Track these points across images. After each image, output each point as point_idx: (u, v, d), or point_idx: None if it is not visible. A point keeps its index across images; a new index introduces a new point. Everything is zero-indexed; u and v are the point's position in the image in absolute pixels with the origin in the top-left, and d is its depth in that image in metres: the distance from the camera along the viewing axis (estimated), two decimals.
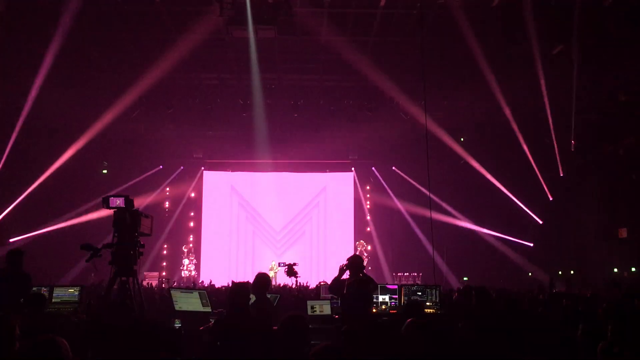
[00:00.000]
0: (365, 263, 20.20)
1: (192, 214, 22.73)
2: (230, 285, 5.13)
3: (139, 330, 3.50)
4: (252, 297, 5.63)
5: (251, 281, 6.01)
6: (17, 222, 17.05)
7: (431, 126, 15.84)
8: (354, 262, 6.61)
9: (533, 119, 17.10)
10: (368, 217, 22.65)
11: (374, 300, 7.79)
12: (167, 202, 22.37)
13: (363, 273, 6.59)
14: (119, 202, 6.42)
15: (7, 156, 16.02)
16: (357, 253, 20.60)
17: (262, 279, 5.89)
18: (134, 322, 4.38)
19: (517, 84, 15.89)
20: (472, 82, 16.20)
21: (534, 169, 18.05)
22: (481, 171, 18.74)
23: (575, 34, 13.50)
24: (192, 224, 22.59)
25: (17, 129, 15.64)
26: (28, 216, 17.19)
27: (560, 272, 17.99)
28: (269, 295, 7.12)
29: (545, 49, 14.53)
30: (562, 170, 17.65)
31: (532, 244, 19.10)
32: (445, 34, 14.32)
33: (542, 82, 15.15)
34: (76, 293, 7.96)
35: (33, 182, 17.16)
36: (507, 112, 16.74)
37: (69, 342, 3.08)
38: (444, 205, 19.35)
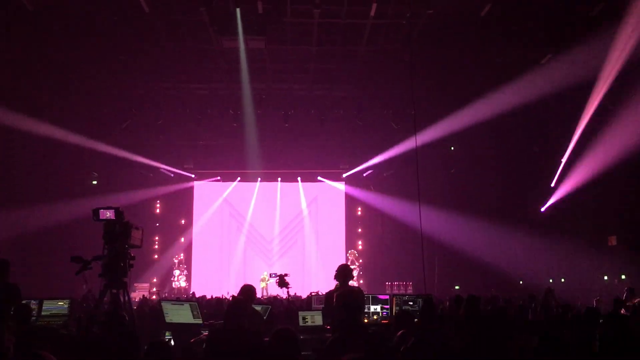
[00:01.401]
0: (356, 273, 20.29)
1: (182, 223, 22.63)
2: (221, 296, 5.11)
3: (131, 343, 3.47)
4: None
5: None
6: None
7: (421, 135, 15.90)
8: (342, 272, 6.57)
9: (523, 127, 17.22)
10: (360, 230, 22.66)
11: (365, 310, 7.77)
12: (157, 212, 22.25)
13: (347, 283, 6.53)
14: (109, 214, 6.40)
15: None
16: (349, 262, 20.63)
17: (248, 291, 5.86)
18: (126, 334, 4.34)
19: (507, 91, 15.98)
20: (463, 90, 16.29)
21: (524, 177, 18.13)
22: (471, 179, 18.78)
23: (563, 42, 13.67)
24: (182, 235, 22.47)
25: None
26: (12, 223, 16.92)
27: (551, 280, 18.04)
28: (259, 307, 7.10)
29: (534, 57, 14.68)
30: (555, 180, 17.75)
31: (522, 252, 19.13)
32: (435, 43, 14.43)
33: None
34: (66, 306, 7.84)
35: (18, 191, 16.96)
36: (498, 119, 16.76)
37: (59, 356, 3.05)
38: (435, 213, 19.30)
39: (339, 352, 5.88)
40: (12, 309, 6.32)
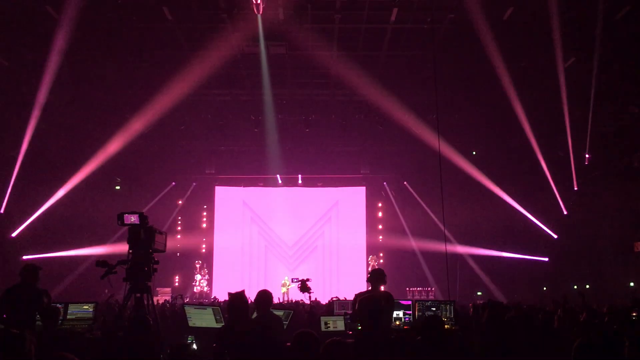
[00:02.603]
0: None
1: (204, 229, 22.81)
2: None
3: (155, 346, 3.50)
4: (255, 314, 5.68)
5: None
6: (31, 240, 17.06)
7: (443, 140, 15.77)
8: (373, 275, 6.54)
9: (547, 132, 16.99)
10: (380, 238, 22.56)
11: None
12: (179, 218, 22.47)
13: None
14: (133, 219, 6.45)
15: (20, 173, 16.09)
16: (370, 268, 20.56)
17: (264, 295, 5.80)
18: (151, 338, 4.38)
19: (532, 96, 15.82)
20: (486, 96, 16.15)
21: (547, 182, 17.88)
22: (493, 186, 18.55)
23: (588, 45, 13.48)
24: (204, 240, 22.64)
25: (24, 147, 15.68)
26: (42, 235, 17.18)
27: (575, 287, 17.77)
28: (281, 312, 7.09)
29: (558, 61, 14.49)
30: (577, 183, 17.48)
31: (547, 259, 18.87)
32: (457, 47, 14.34)
33: (564, 94, 14.98)
34: (91, 310, 7.96)
35: (48, 199, 17.25)
36: (524, 125, 16.54)
37: (84, 359, 3.08)
38: (457, 219, 19.10)
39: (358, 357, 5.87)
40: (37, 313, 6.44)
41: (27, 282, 6.66)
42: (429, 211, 19.87)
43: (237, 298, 4.92)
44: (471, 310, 8.49)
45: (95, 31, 14.01)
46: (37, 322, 6.43)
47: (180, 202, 22.30)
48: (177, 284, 21.60)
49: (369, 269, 20.93)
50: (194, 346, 6.25)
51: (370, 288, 6.44)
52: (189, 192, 22.39)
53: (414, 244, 21.05)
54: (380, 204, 22.78)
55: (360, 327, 6.40)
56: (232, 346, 4.62)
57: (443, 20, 13.51)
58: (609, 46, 13.49)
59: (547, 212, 18.68)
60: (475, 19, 13.09)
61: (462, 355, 4.96)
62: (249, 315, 4.94)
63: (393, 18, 13.48)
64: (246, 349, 4.52)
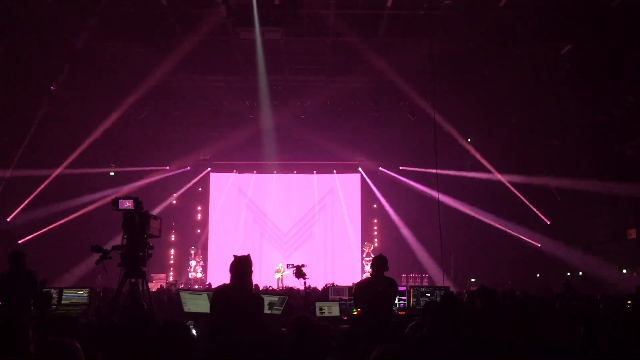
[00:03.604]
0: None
1: (198, 215, 22.80)
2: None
3: (151, 331, 3.49)
4: None
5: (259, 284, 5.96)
6: (26, 224, 17.07)
7: (439, 126, 15.77)
8: (374, 261, 6.50)
9: (540, 119, 17.03)
10: (375, 222, 22.63)
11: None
12: (173, 204, 22.43)
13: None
14: (128, 204, 6.44)
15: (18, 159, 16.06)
16: (364, 255, 20.64)
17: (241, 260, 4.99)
18: (146, 323, 4.37)
19: (524, 84, 15.82)
20: (480, 82, 16.12)
21: (541, 169, 17.94)
22: (490, 170, 18.61)
23: (583, 33, 13.45)
24: (198, 226, 22.64)
25: None
26: (37, 218, 17.18)
27: (568, 274, 17.89)
28: (275, 298, 7.10)
29: (554, 48, 14.48)
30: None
31: (539, 245, 19.00)
32: (453, 34, 14.28)
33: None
34: (85, 295, 7.97)
35: (41, 184, 17.20)
36: (515, 112, 16.60)
37: (79, 344, 3.07)
38: (453, 203, 19.13)
39: (350, 341, 5.88)
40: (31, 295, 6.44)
41: (16, 268, 6.67)
42: (424, 194, 19.86)
43: (243, 261, 4.80)
44: (465, 297, 8.52)
45: (88, 17, 13.85)
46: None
47: (174, 188, 22.22)
48: (171, 270, 21.61)
49: (364, 255, 21.03)
50: (194, 331, 6.21)
51: (372, 274, 6.42)
52: (182, 177, 22.33)
53: (407, 231, 21.14)
54: (375, 191, 22.79)
55: (358, 312, 6.41)
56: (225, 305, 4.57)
57: (439, 6, 13.43)
58: (605, 33, 13.45)
59: (540, 197, 18.78)
60: (472, 5, 13.05)
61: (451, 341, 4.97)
62: (251, 281, 4.84)
63: (389, 4, 13.39)
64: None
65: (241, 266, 4.72)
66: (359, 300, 6.40)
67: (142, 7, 13.70)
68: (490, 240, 19.44)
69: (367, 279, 6.49)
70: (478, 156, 18.57)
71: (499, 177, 18.61)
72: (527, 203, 18.91)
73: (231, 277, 4.73)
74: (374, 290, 5.88)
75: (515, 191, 18.79)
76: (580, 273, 17.94)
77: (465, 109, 17.88)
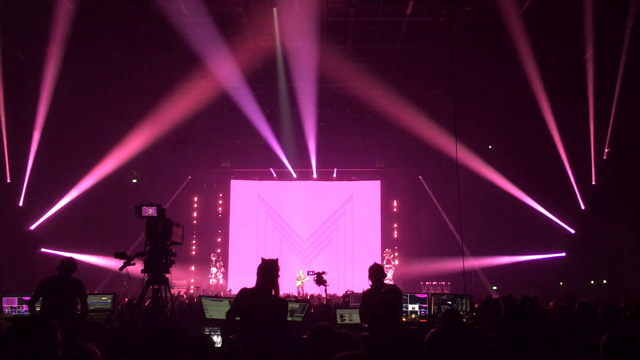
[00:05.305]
0: (392, 272, 20.16)
1: (219, 222, 22.94)
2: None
3: (174, 337, 3.53)
4: None
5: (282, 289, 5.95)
6: (49, 233, 17.19)
7: (459, 135, 15.66)
8: (371, 271, 6.45)
9: (567, 125, 16.78)
10: (396, 227, 22.54)
11: (403, 309, 7.75)
12: (195, 211, 22.62)
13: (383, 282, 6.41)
14: (151, 211, 6.51)
15: (36, 167, 16.20)
16: (384, 262, 20.53)
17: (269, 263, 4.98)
18: (169, 329, 4.42)
19: (551, 89, 15.62)
20: (502, 89, 15.99)
21: (565, 177, 17.67)
22: (508, 184, 18.35)
23: (605, 39, 13.29)
24: (220, 233, 22.78)
25: (35, 140, 15.80)
26: (61, 227, 17.32)
27: (592, 282, 17.61)
28: (297, 305, 7.12)
29: (577, 54, 14.32)
30: (595, 177, 17.27)
31: (564, 254, 18.68)
32: (474, 40, 14.22)
33: (590, 87, 14.77)
34: (109, 301, 8.06)
35: (66, 193, 17.39)
36: (543, 118, 16.30)
37: (102, 349, 3.13)
38: (473, 213, 18.94)
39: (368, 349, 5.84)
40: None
41: (65, 275, 6.81)
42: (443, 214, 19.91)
43: (270, 264, 4.85)
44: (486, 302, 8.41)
45: (110, 23, 14.09)
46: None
47: (195, 195, 22.42)
48: (193, 277, 21.76)
49: (384, 262, 20.93)
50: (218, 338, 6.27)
51: (371, 285, 6.37)
52: (204, 185, 22.53)
53: (428, 236, 21.03)
54: (395, 198, 22.72)
55: (366, 325, 6.36)
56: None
57: (459, 12, 13.39)
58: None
59: (564, 207, 18.46)
60: (493, 11, 12.97)
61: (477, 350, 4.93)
62: (278, 285, 4.87)
63: (409, 11, 13.40)
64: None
65: (269, 269, 4.77)
66: (364, 317, 6.37)
67: (163, 16, 13.85)
68: (512, 247, 19.18)
69: (367, 291, 6.43)
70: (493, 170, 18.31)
71: (518, 189, 18.34)
72: (550, 215, 18.58)
73: (258, 279, 4.77)
74: (378, 301, 5.80)
75: (537, 203, 18.46)
76: (605, 281, 17.64)
77: (486, 116, 17.76)
